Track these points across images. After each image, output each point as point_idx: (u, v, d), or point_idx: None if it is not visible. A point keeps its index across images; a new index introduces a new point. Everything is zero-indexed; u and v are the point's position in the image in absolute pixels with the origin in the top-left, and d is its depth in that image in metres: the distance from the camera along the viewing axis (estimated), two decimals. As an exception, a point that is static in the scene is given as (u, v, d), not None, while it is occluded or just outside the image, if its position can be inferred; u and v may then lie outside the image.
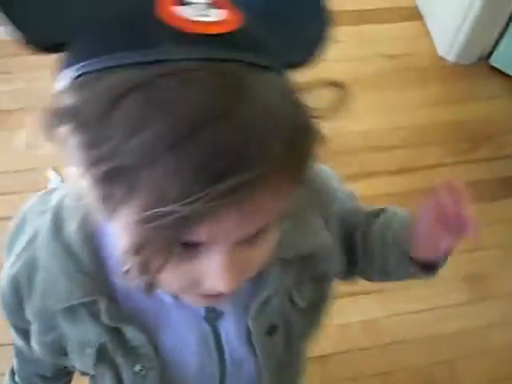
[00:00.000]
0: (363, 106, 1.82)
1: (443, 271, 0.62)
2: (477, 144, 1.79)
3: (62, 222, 0.52)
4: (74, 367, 0.60)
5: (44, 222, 0.53)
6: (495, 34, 1.89)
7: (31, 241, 0.54)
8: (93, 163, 0.36)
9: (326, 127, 0.40)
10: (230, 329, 0.57)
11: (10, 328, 0.61)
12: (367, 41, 2.00)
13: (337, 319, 1.42)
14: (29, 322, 0.56)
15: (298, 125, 0.38)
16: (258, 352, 0.59)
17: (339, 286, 0.65)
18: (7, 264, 0.56)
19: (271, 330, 0.58)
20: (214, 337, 0.57)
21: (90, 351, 0.55)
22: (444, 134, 1.80)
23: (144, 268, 0.38)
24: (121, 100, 0.34)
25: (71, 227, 0.51)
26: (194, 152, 0.33)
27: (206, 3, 0.38)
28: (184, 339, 0.57)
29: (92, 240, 0.51)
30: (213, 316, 0.56)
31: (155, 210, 0.34)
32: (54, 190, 0.57)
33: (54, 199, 0.54)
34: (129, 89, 0.34)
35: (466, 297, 1.51)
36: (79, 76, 0.37)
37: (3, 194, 1.57)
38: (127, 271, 0.39)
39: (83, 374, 0.62)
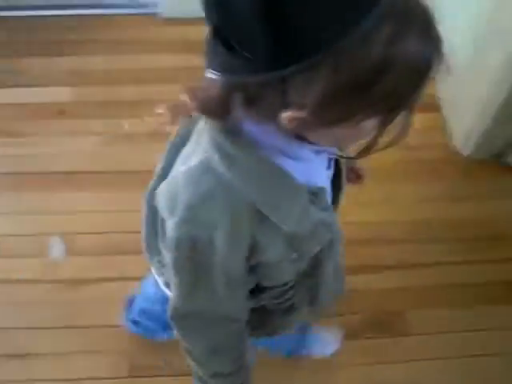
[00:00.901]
0: (376, 197, 1.80)
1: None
2: (481, 244, 1.75)
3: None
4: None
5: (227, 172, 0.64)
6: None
7: (229, 190, 0.65)
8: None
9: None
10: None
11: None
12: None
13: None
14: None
15: None
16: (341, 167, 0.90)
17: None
18: (225, 226, 0.65)
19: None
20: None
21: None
22: (448, 231, 1.77)
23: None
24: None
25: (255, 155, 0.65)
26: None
27: None
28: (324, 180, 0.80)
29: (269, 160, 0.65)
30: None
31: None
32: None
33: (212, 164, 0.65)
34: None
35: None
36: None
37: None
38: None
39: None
